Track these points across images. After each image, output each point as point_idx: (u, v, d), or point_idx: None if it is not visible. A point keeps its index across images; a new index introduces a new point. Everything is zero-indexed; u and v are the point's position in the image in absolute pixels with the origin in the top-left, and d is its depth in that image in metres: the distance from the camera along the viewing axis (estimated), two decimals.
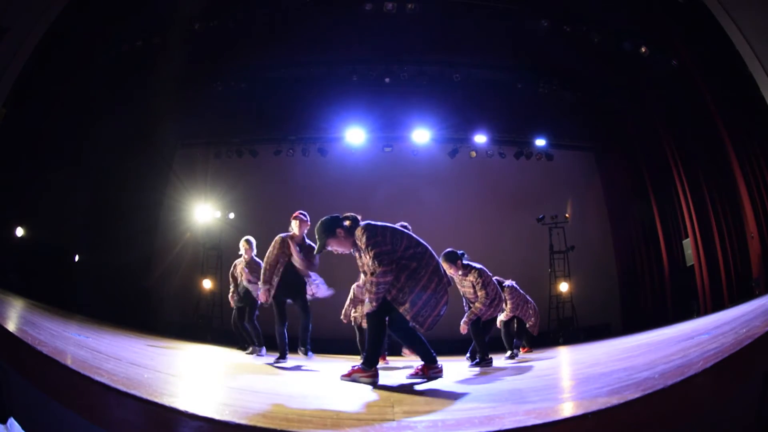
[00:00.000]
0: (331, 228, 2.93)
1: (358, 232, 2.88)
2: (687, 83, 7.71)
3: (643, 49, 8.05)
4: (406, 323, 2.86)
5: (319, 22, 8.18)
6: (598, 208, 10.18)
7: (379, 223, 2.96)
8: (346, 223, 2.95)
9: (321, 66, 9.23)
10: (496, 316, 5.12)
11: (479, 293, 4.57)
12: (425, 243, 3.02)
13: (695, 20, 7.06)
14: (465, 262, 4.62)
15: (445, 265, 4.31)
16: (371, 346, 2.87)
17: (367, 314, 2.89)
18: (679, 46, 7.64)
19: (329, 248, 2.99)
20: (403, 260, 2.85)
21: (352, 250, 2.98)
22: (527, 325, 6.30)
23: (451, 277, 4.23)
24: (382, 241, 2.82)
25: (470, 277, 4.59)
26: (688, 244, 8.27)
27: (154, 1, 7.91)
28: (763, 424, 1.35)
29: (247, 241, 5.83)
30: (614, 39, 8.14)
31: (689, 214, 8.08)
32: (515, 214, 10.19)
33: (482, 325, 4.73)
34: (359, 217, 2.98)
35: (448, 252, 4.47)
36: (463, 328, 4.61)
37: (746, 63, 6.48)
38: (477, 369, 4.18)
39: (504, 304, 5.61)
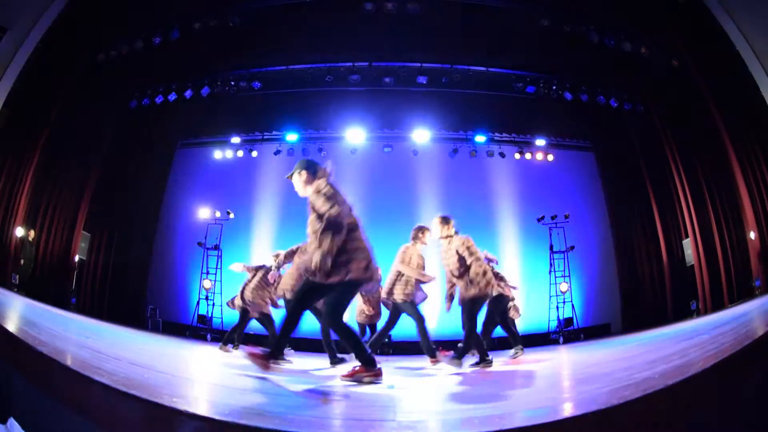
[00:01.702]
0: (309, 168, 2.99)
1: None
2: (687, 83, 7.70)
3: (643, 49, 8.04)
4: None
5: (319, 22, 8.16)
6: (598, 208, 10.17)
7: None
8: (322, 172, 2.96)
9: (321, 66, 9.21)
10: (507, 309, 4.84)
11: (471, 260, 3.96)
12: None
13: (695, 20, 7.06)
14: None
15: (438, 227, 4.24)
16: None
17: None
18: (679, 46, 7.63)
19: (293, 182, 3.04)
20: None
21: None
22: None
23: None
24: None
25: (457, 242, 4.08)
26: (688, 244, 8.26)
27: (154, 1, 7.90)
28: (763, 424, 1.35)
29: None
30: (614, 39, 8.13)
31: (689, 214, 8.08)
32: (515, 214, 10.19)
33: (489, 318, 4.42)
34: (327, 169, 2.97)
35: (442, 216, 4.34)
36: (448, 306, 4.13)
37: (746, 63, 6.48)
38: (476, 368, 4.14)
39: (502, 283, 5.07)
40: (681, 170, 8.20)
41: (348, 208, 2.89)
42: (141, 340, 5.02)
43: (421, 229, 4.74)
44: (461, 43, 8.66)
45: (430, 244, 4.70)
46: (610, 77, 9.07)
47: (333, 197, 2.79)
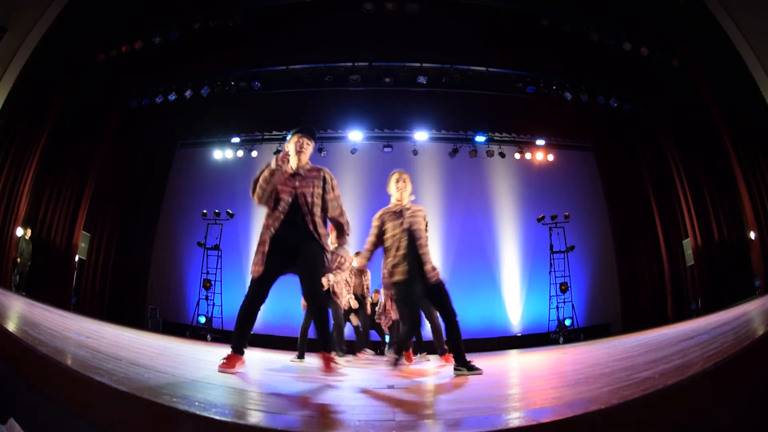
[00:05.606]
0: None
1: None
2: (687, 83, 7.70)
3: (643, 50, 8.05)
4: None
5: (320, 22, 8.17)
6: (598, 208, 10.18)
7: None
8: None
9: (321, 66, 9.22)
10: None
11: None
12: None
13: (695, 20, 7.06)
14: None
15: None
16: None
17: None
18: (679, 46, 7.63)
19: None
20: None
21: None
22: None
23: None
24: None
25: None
26: (688, 244, 8.26)
27: (154, 1, 7.90)
28: (764, 424, 1.35)
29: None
30: (614, 39, 8.13)
31: (689, 214, 8.08)
32: (515, 214, 10.20)
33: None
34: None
35: None
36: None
37: (746, 63, 6.48)
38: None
39: None
40: (681, 170, 8.20)
41: None
42: (141, 341, 5.01)
43: None
44: (461, 43, 8.66)
45: None
46: (610, 77, 9.07)
47: None
